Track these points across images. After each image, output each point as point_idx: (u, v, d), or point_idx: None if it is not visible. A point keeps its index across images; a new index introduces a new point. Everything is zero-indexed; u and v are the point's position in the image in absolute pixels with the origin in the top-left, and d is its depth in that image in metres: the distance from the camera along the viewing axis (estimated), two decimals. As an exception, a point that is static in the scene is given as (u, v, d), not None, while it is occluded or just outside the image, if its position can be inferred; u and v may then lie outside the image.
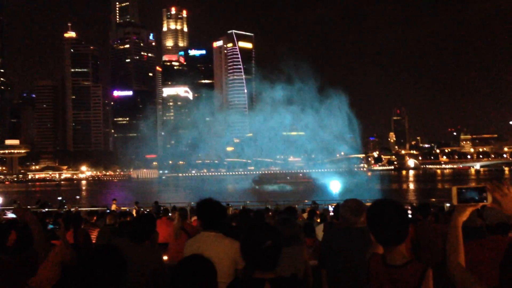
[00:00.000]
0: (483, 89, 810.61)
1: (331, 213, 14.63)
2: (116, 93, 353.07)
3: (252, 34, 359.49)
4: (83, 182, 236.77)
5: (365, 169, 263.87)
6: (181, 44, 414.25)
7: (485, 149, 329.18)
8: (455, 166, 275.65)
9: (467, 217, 2.94)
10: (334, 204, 18.54)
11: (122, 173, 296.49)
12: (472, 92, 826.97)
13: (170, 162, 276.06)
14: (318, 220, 13.99)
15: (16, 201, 36.86)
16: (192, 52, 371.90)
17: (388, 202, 3.25)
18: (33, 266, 3.94)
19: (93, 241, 9.55)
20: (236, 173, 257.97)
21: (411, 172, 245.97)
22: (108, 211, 20.51)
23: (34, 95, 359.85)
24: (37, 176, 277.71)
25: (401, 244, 3.17)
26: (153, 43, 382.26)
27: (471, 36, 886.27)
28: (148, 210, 24.85)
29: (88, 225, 11.07)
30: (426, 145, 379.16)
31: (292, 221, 5.36)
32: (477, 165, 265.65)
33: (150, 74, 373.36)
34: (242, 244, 3.17)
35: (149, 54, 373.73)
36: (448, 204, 22.38)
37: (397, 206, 3.20)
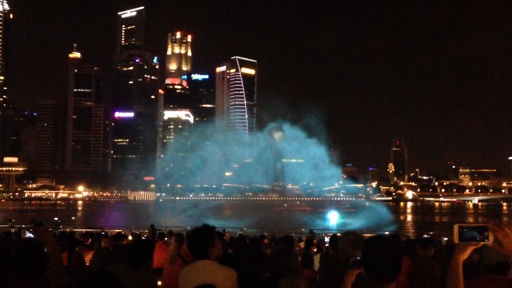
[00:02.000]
0: (483, 124, 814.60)
1: (327, 244, 14.49)
2: (118, 114, 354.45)
3: (255, 61, 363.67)
4: (80, 202, 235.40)
5: (363, 199, 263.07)
6: (184, 68, 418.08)
7: (483, 183, 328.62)
8: (452, 200, 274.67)
9: (468, 255, 2.96)
10: (331, 235, 18.40)
11: (119, 194, 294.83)
12: (471, 126, 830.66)
13: (168, 185, 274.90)
14: (315, 250, 13.86)
15: (10, 219, 36.58)
16: (195, 76, 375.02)
17: (383, 239, 3.20)
18: None
19: (87, 264, 9.43)
20: (234, 198, 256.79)
21: (409, 204, 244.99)
22: (103, 233, 20.29)
23: (35, 113, 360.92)
24: (33, 195, 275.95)
25: (394, 282, 3.12)
26: (157, 66, 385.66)
27: (472, 71, 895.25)
28: (145, 235, 24.56)
29: (83, 247, 10.94)
30: (425, 177, 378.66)
31: (290, 251, 5.31)
32: (475, 200, 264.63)
33: (152, 97, 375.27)
34: (239, 275, 3.18)
35: (152, 77, 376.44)
36: (445, 238, 22.23)
37: (392, 243, 3.15)
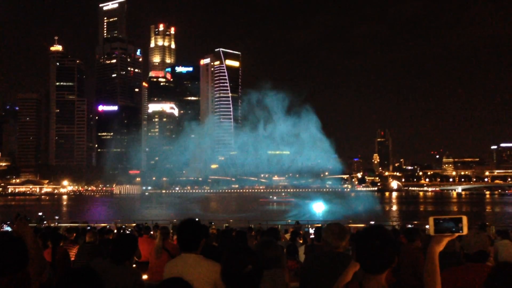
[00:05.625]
0: (466, 114, 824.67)
1: (312, 236, 14.59)
2: (101, 107, 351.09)
3: (239, 53, 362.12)
4: (64, 197, 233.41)
5: (348, 189, 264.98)
6: (168, 60, 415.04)
7: (467, 172, 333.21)
8: (436, 189, 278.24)
9: (444, 247, 3.02)
10: (316, 226, 18.54)
11: (104, 188, 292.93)
12: (455, 116, 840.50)
13: (154, 178, 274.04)
14: (301, 241, 13.95)
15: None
16: (179, 69, 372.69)
17: (373, 231, 3.22)
18: None
19: (72, 259, 9.38)
20: (220, 190, 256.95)
21: (394, 194, 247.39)
22: (88, 228, 20.16)
23: (17, 108, 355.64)
24: (17, 190, 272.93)
25: (384, 273, 3.15)
26: (140, 59, 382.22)
27: (456, 61, 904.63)
28: (129, 229, 24.46)
29: (67, 242, 10.87)
30: (409, 167, 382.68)
31: (274, 243, 5.34)
32: (459, 189, 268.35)
33: (136, 90, 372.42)
34: (222, 268, 3.18)
35: (136, 70, 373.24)
36: (428, 226, 22.50)
37: (382, 235, 3.18)
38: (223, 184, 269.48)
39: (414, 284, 7.40)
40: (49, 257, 8.15)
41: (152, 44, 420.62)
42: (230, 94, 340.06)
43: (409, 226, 26.64)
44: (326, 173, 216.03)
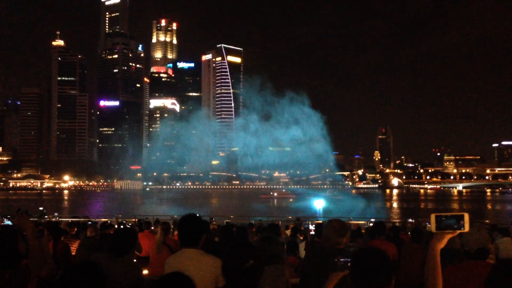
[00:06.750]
0: (467, 112, 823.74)
1: (312, 232, 14.60)
2: (103, 103, 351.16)
3: (241, 49, 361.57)
4: (65, 191, 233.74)
5: (349, 186, 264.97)
6: (169, 56, 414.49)
7: (468, 170, 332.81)
8: (436, 187, 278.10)
9: (445, 244, 3.02)
10: (316, 222, 18.54)
11: (105, 183, 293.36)
12: (456, 114, 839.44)
13: (155, 174, 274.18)
14: (301, 237, 13.96)
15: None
16: (181, 65, 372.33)
17: (369, 252, 3.13)
18: (24, 283, 3.66)
19: (73, 253, 9.40)
20: (221, 187, 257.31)
21: (395, 191, 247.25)
22: (89, 222, 20.19)
23: (19, 102, 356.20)
24: (18, 184, 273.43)
25: None
26: (142, 54, 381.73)
27: (458, 59, 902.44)
28: (129, 223, 24.49)
29: (68, 236, 10.89)
30: (410, 165, 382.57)
31: (275, 239, 5.36)
32: (460, 186, 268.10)
33: (138, 85, 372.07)
34: (223, 262, 3.19)
35: (137, 65, 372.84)
36: (429, 224, 22.49)
37: (382, 257, 3.06)
38: (224, 180, 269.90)
39: (415, 282, 7.41)
40: (51, 251, 8.17)
41: (154, 40, 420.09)
42: (231, 90, 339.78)
43: (410, 220, 26.70)
44: (327, 170, 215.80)
